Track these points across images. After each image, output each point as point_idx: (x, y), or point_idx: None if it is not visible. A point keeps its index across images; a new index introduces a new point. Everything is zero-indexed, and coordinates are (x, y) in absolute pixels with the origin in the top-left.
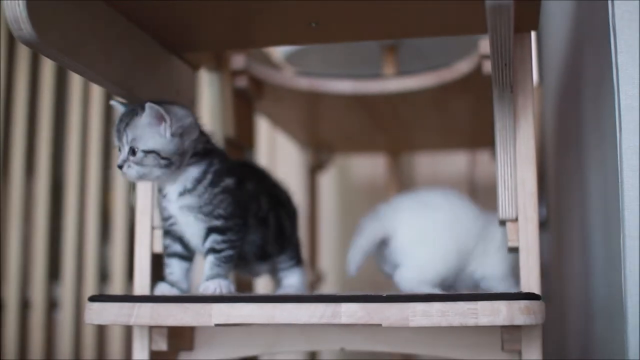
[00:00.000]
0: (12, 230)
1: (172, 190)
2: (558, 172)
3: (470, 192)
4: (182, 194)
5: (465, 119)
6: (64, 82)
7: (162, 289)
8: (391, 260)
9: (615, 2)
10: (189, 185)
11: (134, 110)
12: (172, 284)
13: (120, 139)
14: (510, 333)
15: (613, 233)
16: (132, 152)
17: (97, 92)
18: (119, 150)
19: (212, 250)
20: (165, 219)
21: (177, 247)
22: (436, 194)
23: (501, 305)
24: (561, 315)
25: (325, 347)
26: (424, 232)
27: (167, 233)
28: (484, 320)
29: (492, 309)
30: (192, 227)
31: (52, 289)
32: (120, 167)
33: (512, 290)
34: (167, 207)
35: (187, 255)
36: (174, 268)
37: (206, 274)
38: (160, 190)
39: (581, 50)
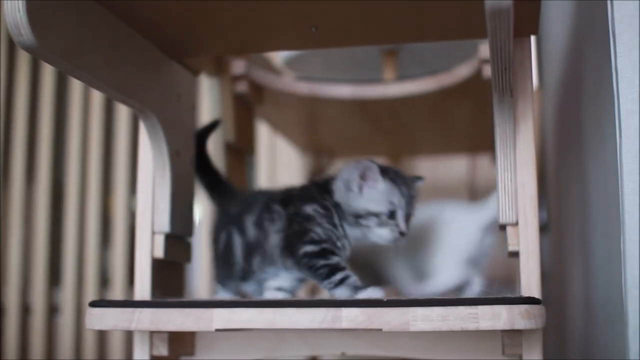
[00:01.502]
0: (12, 235)
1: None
2: (558, 175)
3: (470, 196)
4: None
5: (465, 123)
6: (65, 86)
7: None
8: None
9: (614, 5)
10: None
11: (405, 177)
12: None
13: (407, 205)
14: (510, 337)
15: (613, 237)
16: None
17: (97, 96)
18: (392, 214)
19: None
20: (339, 237)
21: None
22: None
23: (502, 309)
24: (562, 319)
25: (326, 352)
26: None
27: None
28: (484, 325)
29: (492, 314)
30: None
31: (53, 294)
32: (404, 234)
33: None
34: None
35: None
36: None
37: (358, 285)
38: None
39: (581, 54)
